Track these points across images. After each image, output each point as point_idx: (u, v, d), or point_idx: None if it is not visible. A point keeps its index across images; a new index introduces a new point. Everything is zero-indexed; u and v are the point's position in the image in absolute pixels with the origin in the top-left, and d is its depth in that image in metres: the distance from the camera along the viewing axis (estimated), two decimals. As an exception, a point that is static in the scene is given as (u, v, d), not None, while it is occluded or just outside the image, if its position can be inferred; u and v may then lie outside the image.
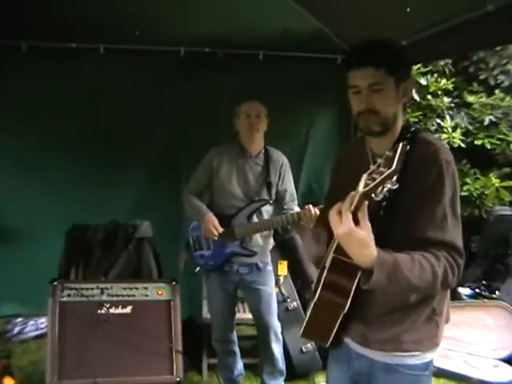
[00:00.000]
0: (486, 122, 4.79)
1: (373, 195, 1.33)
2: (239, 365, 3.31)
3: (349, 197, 1.43)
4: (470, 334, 3.86)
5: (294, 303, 3.74)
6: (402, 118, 1.72)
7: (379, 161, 1.33)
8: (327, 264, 1.63)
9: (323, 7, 3.51)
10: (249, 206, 3.04)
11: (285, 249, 3.81)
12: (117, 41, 3.78)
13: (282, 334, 3.27)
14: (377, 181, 1.31)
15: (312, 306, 1.70)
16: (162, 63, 3.92)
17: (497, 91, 4.95)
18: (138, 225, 3.60)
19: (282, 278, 3.72)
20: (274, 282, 3.24)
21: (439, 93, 4.82)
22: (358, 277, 1.56)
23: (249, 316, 3.51)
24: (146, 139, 4.07)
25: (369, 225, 1.43)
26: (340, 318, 1.67)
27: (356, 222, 1.41)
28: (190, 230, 3.18)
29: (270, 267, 3.19)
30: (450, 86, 4.87)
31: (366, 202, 1.40)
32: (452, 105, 4.92)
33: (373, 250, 1.44)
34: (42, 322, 4.05)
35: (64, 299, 2.60)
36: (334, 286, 1.60)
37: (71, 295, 2.62)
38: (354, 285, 1.58)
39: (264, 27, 3.67)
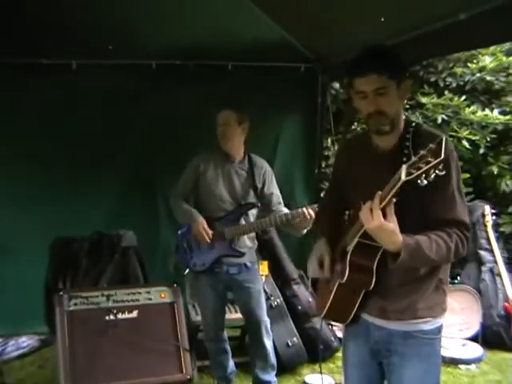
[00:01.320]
0: (439, 121, 5.13)
1: (418, 181, 1.52)
2: (231, 362, 3.40)
3: (377, 196, 1.64)
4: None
5: (278, 300, 3.89)
6: (402, 115, 1.90)
7: (422, 152, 1.51)
8: (350, 248, 1.83)
9: (289, 17, 3.65)
10: (237, 209, 3.15)
11: (265, 249, 3.95)
12: (89, 56, 3.83)
13: (269, 329, 3.38)
14: (425, 168, 1.49)
15: (336, 287, 1.88)
16: (135, 77, 4.00)
17: (446, 92, 5.32)
18: (122, 234, 3.64)
19: (264, 278, 3.80)
20: (261, 279, 3.38)
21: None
22: (378, 256, 1.79)
23: (232, 317, 3.65)
24: (121, 151, 4.13)
25: (395, 218, 1.67)
26: (362, 295, 1.87)
27: (384, 216, 1.65)
28: (180, 234, 3.25)
29: (256, 266, 3.31)
30: (405, 89, 5.20)
31: (394, 200, 1.62)
32: (407, 106, 5.26)
33: (399, 237, 1.69)
34: (24, 340, 3.99)
35: (71, 308, 2.64)
36: (359, 266, 1.82)
37: (78, 304, 2.66)
38: (375, 263, 1.80)
39: (233, 38, 3.80)
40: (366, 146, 1.96)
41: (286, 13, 3.62)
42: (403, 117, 1.90)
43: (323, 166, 4.65)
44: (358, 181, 1.95)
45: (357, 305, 1.90)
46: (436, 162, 1.48)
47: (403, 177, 1.53)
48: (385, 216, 1.65)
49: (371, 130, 1.88)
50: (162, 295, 2.90)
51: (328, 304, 1.93)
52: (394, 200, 1.63)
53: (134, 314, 2.74)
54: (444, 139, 1.50)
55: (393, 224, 1.67)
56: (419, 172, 1.50)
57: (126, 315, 2.71)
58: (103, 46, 3.71)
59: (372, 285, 1.83)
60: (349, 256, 1.84)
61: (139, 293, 2.82)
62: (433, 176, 1.50)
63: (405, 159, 1.60)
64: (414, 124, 1.88)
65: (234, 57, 4.09)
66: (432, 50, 3.18)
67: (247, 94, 4.07)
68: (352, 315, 1.92)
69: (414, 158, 1.52)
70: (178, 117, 4.12)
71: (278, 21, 3.81)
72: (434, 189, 1.71)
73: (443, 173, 1.51)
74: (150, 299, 2.84)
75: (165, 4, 3.44)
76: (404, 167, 1.54)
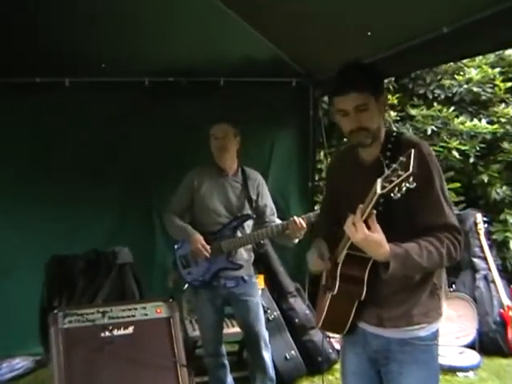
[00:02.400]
0: (429, 132, 5.17)
1: (392, 194, 1.54)
2: (229, 378, 3.35)
3: (359, 209, 1.66)
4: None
5: (275, 313, 3.87)
6: (383, 126, 1.92)
7: (394, 166, 1.54)
8: (340, 260, 1.83)
9: (280, 33, 3.69)
10: (233, 221, 3.14)
11: (260, 263, 3.92)
12: (82, 74, 3.83)
13: (267, 342, 3.36)
14: (395, 182, 1.52)
15: (329, 299, 1.88)
16: (128, 94, 3.99)
17: (435, 104, 5.37)
18: (118, 251, 3.61)
19: (260, 291, 3.80)
20: (259, 292, 3.35)
21: (386, 108, 5.16)
22: (368, 267, 1.79)
23: (229, 331, 3.60)
24: (115, 169, 4.11)
25: (379, 228, 1.67)
26: (355, 306, 1.86)
27: (368, 228, 1.66)
28: (177, 250, 3.23)
29: (254, 279, 3.29)
30: (395, 101, 5.24)
31: (375, 212, 1.64)
32: (398, 118, 5.29)
33: (386, 247, 1.69)
34: (18, 362, 3.91)
35: (66, 326, 2.58)
36: (350, 277, 1.83)
37: (73, 321, 2.60)
38: (366, 274, 1.80)
39: (225, 54, 3.84)
40: (354, 158, 1.98)
41: (277, 29, 3.68)
42: (384, 127, 1.93)
43: (316, 179, 4.64)
44: (347, 193, 1.96)
45: (352, 315, 1.89)
46: (405, 175, 1.50)
47: (378, 190, 1.56)
48: (368, 228, 1.66)
49: (354, 145, 1.91)
50: (158, 310, 2.86)
51: (323, 316, 1.93)
52: (375, 212, 1.64)
53: (130, 329, 2.69)
54: (413, 152, 1.52)
55: (377, 235, 1.67)
56: (391, 186, 1.52)
57: (122, 331, 2.66)
58: (96, 63, 3.71)
59: (363, 295, 1.83)
60: (339, 268, 1.84)
61: (135, 308, 2.77)
62: (404, 189, 1.52)
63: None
64: (394, 134, 1.90)
65: (226, 73, 4.11)
66: (418, 63, 3.25)
67: (240, 109, 4.03)
68: (348, 325, 1.91)
69: (387, 172, 1.55)
70: (172, 133, 4.11)
71: (269, 37, 3.86)
72: (418, 195, 1.73)
73: (413, 185, 1.52)
74: (146, 315, 2.79)
75: (157, 22, 3.48)
76: (379, 180, 1.57)
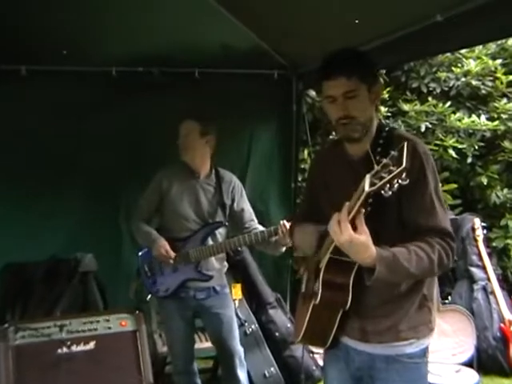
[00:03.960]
0: (423, 129, 5.23)
1: (382, 192, 1.53)
2: (202, 398, 3.39)
3: (345, 207, 1.65)
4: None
5: (253, 326, 3.91)
6: (375, 119, 1.95)
7: (384, 161, 1.53)
8: (322, 265, 1.84)
9: (261, 21, 3.71)
10: (203, 228, 3.17)
11: (237, 271, 3.97)
12: (41, 61, 3.79)
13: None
14: (387, 178, 1.51)
15: (311, 308, 1.88)
16: (92, 85, 3.97)
17: (429, 98, 5.43)
18: (80, 258, 3.64)
19: (237, 302, 3.85)
20: (232, 304, 3.39)
21: (379, 100, 5.18)
22: (353, 272, 1.80)
23: (202, 346, 3.62)
24: (78, 168, 4.08)
25: (366, 230, 1.66)
26: (339, 316, 1.88)
27: (354, 228, 1.64)
28: (140, 257, 3.26)
29: (227, 290, 3.33)
30: (386, 96, 5.29)
31: (363, 210, 1.63)
32: (389, 114, 5.34)
33: (373, 250, 1.68)
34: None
35: (18, 342, 2.57)
36: (333, 284, 1.83)
37: (26, 336, 2.60)
38: (351, 280, 1.81)
39: (201, 43, 3.84)
40: (339, 155, 2.00)
41: (257, 16, 3.69)
42: (376, 121, 1.95)
43: (300, 179, 4.68)
44: (331, 192, 1.98)
45: (335, 326, 1.90)
46: (398, 171, 1.50)
47: (367, 188, 1.55)
48: (355, 228, 1.64)
49: (340, 137, 1.93)
50: (123, 323, 2.88)
51: (304, 326, 1.93)
52: (363, 210, 1.64)
53: (91, 345, 2.70)
54: (406, 144, 1.52)
55: (364, 236, 1.66)
56: (382, 182, 1.52)
57: (82, 347, 2.66)
58: (56, 50, 3.68)
59: (348, 303, 1.84)
60: (322, 274, 1.84)
61: (97, 321, 2.79)
62: (396, 186, 1.51)
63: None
64: (387, 128, 1.93)
65: (202, 63, 4.11)
66: (410, 54, 3.28)
67: (216, 103, 4.10)
68: (331, 338, 1.93)
69: (376, 167, 1.55)
70: (142, 128, 4.11)
71: (249, 25, 3.87)
72: (410, 196, 1.77)
73: (406, 182, 1.52)
74: (110, 328, 2.81)
75: (127, 6, 3.45)
76: (368, 177, 1.56)
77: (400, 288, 1.89)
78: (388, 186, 1.52)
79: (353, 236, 1.63)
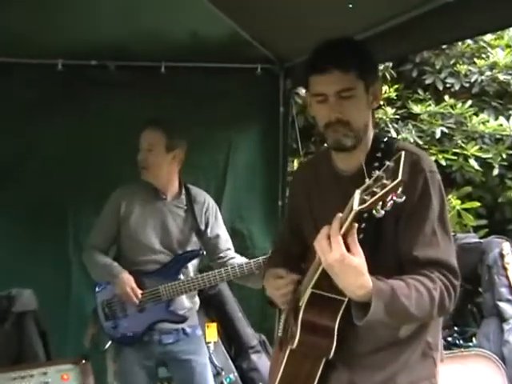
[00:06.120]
0: (438, 135, 5.23)
1: (374, 211, 1.49)
2: None
3: (336, 219, 1.59)
4: (448, 391, 4.10)
5: (231, 376, 3.91)
6: (371, 127, 1.92)
7: (377, 173, 1.50)
8: (303, 302, 1.80)
9: (241, 6, 3.69)
10: (176, 259, 3.17)
11: (212, 308, 3.96)
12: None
13: (220, 415, 3.38)
14: (379, 194, 1.46)
15: (287, 355, 1.85)
16: (34, 80, 3.95)
17: (446, 97, 5.43)
18: (16, 295, 3.58)
19: (212, 346, 3.86)
20: (206, 349, 3.38)
21: (381, 103, 5.19)
22: (340, 312, 1.76)
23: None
24: (14, 182, 4.03)
25: (360, 250, 1.59)
26: (322, 366, 1.83)
27: (347, 247, 1.57)
28: (98, 294, 3.23)
29: (199, 331, 3.32)
30: (393, 95, 5.28)
31: (356, 225, 1.57)
32: (396, 116, 5.33)
33: (367, 279, 1.61)
34: None
35: None
36: (314, 326, 1.79)
37: None
38: (337, 323, 1.77)
39: (168, 32, 3.82)
40: (328, 169, 1.97)
41: (237, 1, 3.67)
42: (372, 130, 1.93)
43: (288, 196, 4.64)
44: (316, 218, 1.95)
45: (316, 379, 1.85)
46: (392, 185, 1.45)
47: (356, 206, 1.51)
48: (347, 248, 1.58)
49: (329, 145, 1.89)
50: (65, 376, 2.83)
51: (278, 379, 1.90)
52: (356, 225, 1.58)
53: (21, 409, 2.63)
54: (408, 157, 1.48)
55: (358, 258, 1.59)
56: (373, 199, 1.48)
57: (11, 411, 2.59)
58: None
59: (332, 351, 1.80)
60: (301, 313, 1.80)
61: (31, 376, 2.72)
62: (390, 204, 1.47)
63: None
64: (385, 139, 1.91)
65: (169, 56, 4.10)
66: (417, 43, 3.21)
67: (186, 105, 4.10)
68: None
69: (368, 181, 1.51)
70: (95, 135, 4.07)
71: (226, 10, 3.84)
72: (408, 220, 1.75)
73: (402, 199, 1.47)
74: (47, 383, 2.73)
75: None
76: (357, 192, 1.53)
77: (400, 332, 1.84)
78: (381, 203, 1.48)
79: (345, 255, 1.56)
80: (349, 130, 1.81)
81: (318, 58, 1.83)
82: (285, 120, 4.44)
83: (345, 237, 1.58)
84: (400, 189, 1.45)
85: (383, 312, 1.63)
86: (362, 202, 1.50)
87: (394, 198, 1.46)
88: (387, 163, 1.50)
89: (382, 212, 1.48)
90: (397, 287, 1.67)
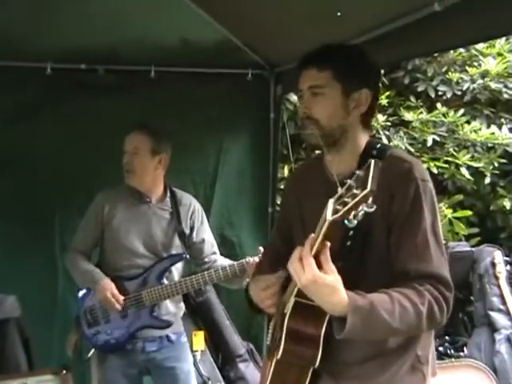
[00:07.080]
0: (430, 143, 5.24)
1: (346, 222, 1.49)
2: None
3: (308, 240, 1.61)
4: (439, 402, 4.07)
5: (218, 384, 3.85)
6: (363, 134, 1.93)
7: (349, 182, 1.50)
8: (287, 310, 1.78)
9: (232, 12, 3.69)
10: (159, 263, 3.14)
11: (199, 315, 3.94)
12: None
13: (205, 426, 3.36)
14: (349, 205, 1.46)
15: (273, 365, 1.83)
16: (22, 84, 3.93)
17: (438, 105, 5.44)
18: (-2, 302, 3.52)
19: (198, 354, 3.85)
20: (191, 356, 3.36)
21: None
22: (325, 320, 1.74)
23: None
24: (2, 188, 3.99)
25: (333, 268, 1.61)
26: (309, 376, 1.81)
27: (319, 266, 1.59)
28: (80, 301, 3.21)
29: (184, 338, 3.30)
30: (385, 102, 5.28)
31: (329, 244, 1.58)
32: (388, 123, 5.33)
33: (343, 296, 1.62)
34: None
35: None
36: (299, 335, 1.77)
37: None
38: (323, 331, 1.75)
39: (158, 37, 3.81)
40: (318, 175, 1.98)
41: (227, 6, 3.66)
42: (364, 137, 1.92)
43: (278, 203, 4.61)
44: (306, 220, 1.95)
45: None
46: (362, 195, 1.45)
47: (329, 216, 1.51)
48: (319, 266, 1.59)
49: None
50: (45, 387, 2.76)
51: None
52: (328, 244, 1.58)
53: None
54: (373, 163, 1.48)
55: (332, 276, 1.60)
56: (345, 209, 1.47)
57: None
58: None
59: (318, 360, 1.77)
60: (286, 321, 1.79)
61: (9, 387, 2.67)
62: (361, 214, 1.47)
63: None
64: (378, 146, 1.90)
65: (159, 60, 4.09)
66: (406, 51, 3.24)
67: (176, 109, 4.10)
68: None
69: (340, 190, 1.51)
70: (83, 139, 4.06)
71: (217, 16, 3.83)
72: (399, 231, 1.75)
73: (372, 209, 1.47)
74: (26, 394, 2.70)
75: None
76: (331, 202, 1.53)
77: (387, 343, 1.83)
78: (352, 213, 1.48)
79: (317, 275, 1.58)
80: (317, 128, 1.85)
81: (304, 57, 1.90)
82: (275, 126, 4.44)
83: (317, 256, 1.60)
84: (370, 199, 1.45)
85: (361, 327, 1.64)
86: (335, 212, 1.51)
87: (365, 208, 1.46)
88: (357, 172, 1.50)
89: (355, 222, 1.48)
90: (378, 302, 1.67)
